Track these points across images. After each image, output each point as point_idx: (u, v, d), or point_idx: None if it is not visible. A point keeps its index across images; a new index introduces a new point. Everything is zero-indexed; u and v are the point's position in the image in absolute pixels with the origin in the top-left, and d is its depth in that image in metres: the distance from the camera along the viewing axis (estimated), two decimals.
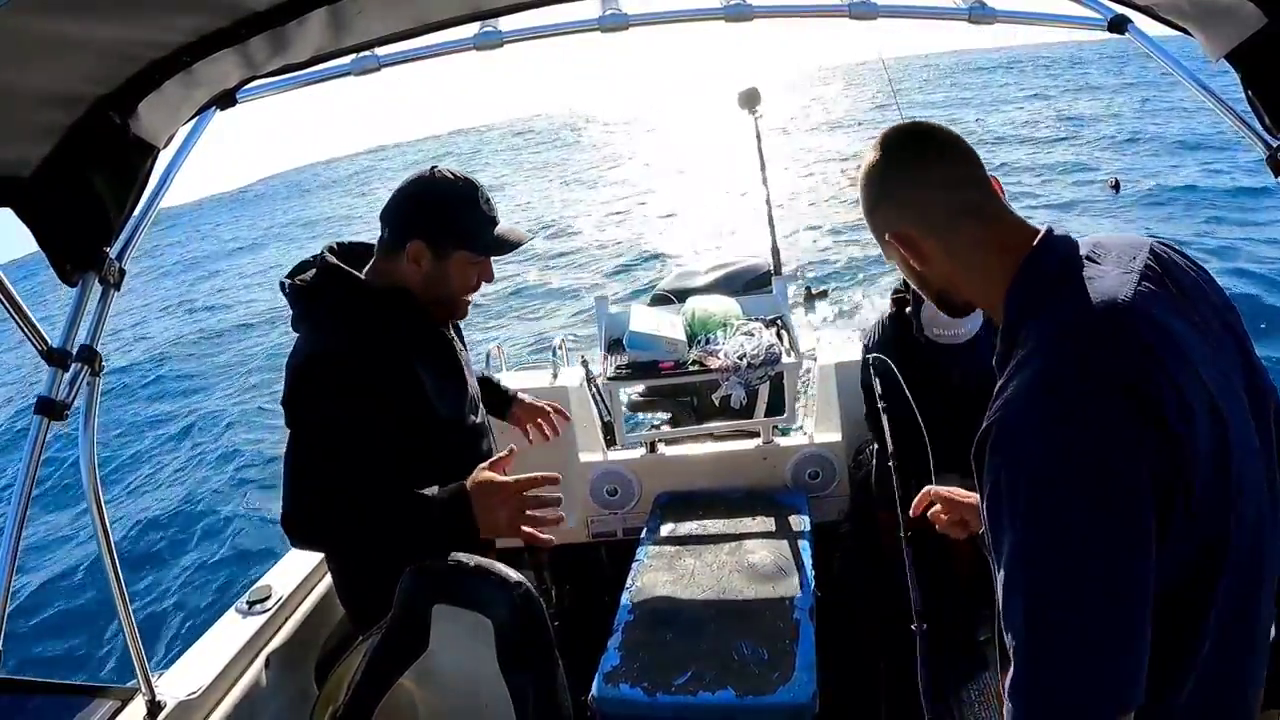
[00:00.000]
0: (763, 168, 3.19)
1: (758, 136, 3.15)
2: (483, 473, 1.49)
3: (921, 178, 1.03)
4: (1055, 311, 0.91)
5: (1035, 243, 0.98)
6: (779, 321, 2.85)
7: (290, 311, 1.60)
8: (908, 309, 2.20)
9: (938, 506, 1.50)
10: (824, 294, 10.02)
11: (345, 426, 1.45)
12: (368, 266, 1.62)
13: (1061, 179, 15.33)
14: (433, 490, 1.48)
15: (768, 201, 3.19)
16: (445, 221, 1.57)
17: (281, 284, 1.59)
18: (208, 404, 9.83)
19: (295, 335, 1.58)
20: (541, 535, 1.49)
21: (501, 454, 1.56)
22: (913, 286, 1.15)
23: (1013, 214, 1.03)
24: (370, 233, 1.72)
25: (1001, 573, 0.86)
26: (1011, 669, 0.84)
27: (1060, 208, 13.17)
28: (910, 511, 1.56)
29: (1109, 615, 0.79)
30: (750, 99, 3.07)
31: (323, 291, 1.55)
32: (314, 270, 1.58)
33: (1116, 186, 14.76)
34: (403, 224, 1.57)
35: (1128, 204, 12.82)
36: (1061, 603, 0.81)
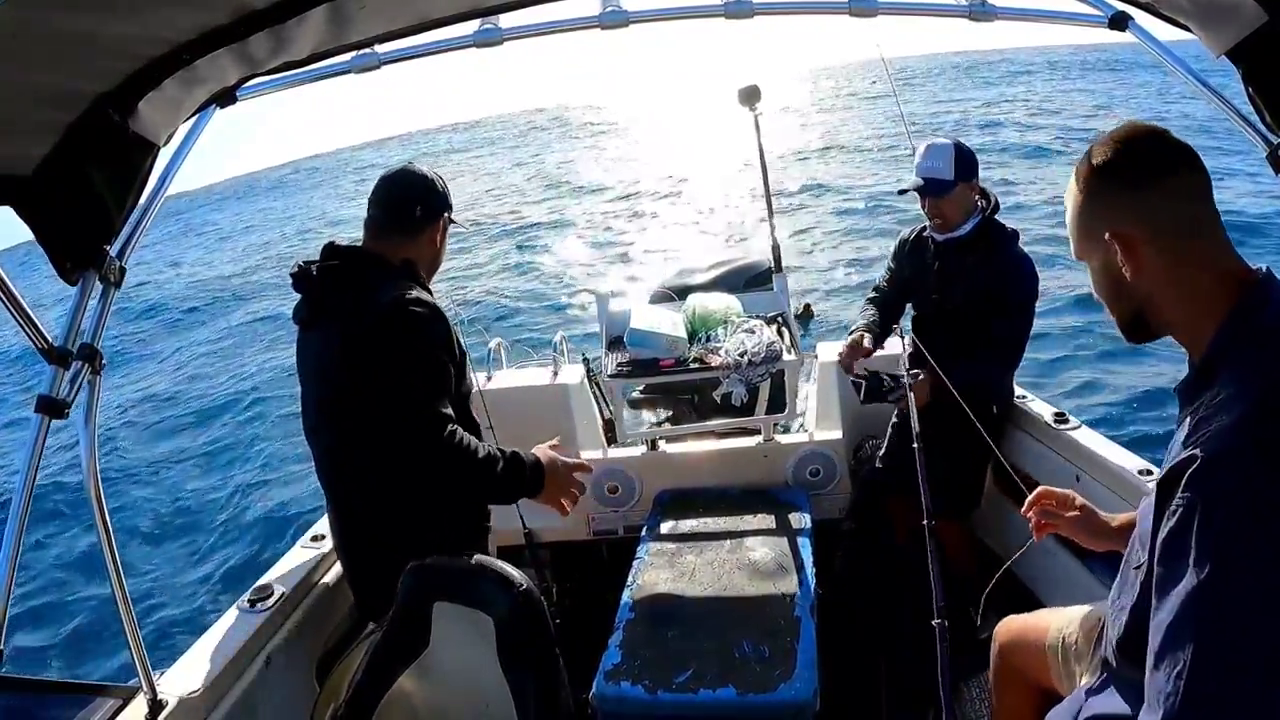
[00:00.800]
0: (763, 165, 3.19)
1: (758, 134, 3.15)
2: (552, 452, 1.84)
3: (1164, 183, 0.98)
4: (1273, 355, 0.90)
5: (1257, 280, 0.96)
6: (780, 319, 2.85)
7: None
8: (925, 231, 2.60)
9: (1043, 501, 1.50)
10: (808, 311, 9.92)
11: (450, 365, 1.71)
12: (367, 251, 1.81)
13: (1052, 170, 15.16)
14: (511, 450, 1.76)
15: (768, 199, 3.18)
16: (449, 199, 1.91)
17: (308, 270, 1.75)
18: (209, 403, 9.84)
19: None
20: (567, 508, 1.87)
21: (554, 442, 1.92)
22: (1103, 303, 1.09)
23: (1232, 244, 1.00)
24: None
25: (1167, 611, 0.83)
26: (1154, 711, 0.82)
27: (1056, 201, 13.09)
28: (1021, 511, 1.53)
29: (1274, 670, 0.77)
30: (750, 96, 3.06)
31: (365, 268, 1.75)
32: (330, 258, 1.76)
33: None
34: (436, 203, 1.85)
35: None
36: (1232, 652, 0.78)
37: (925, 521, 1.55)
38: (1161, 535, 0.87)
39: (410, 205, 1.82)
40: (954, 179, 2.37)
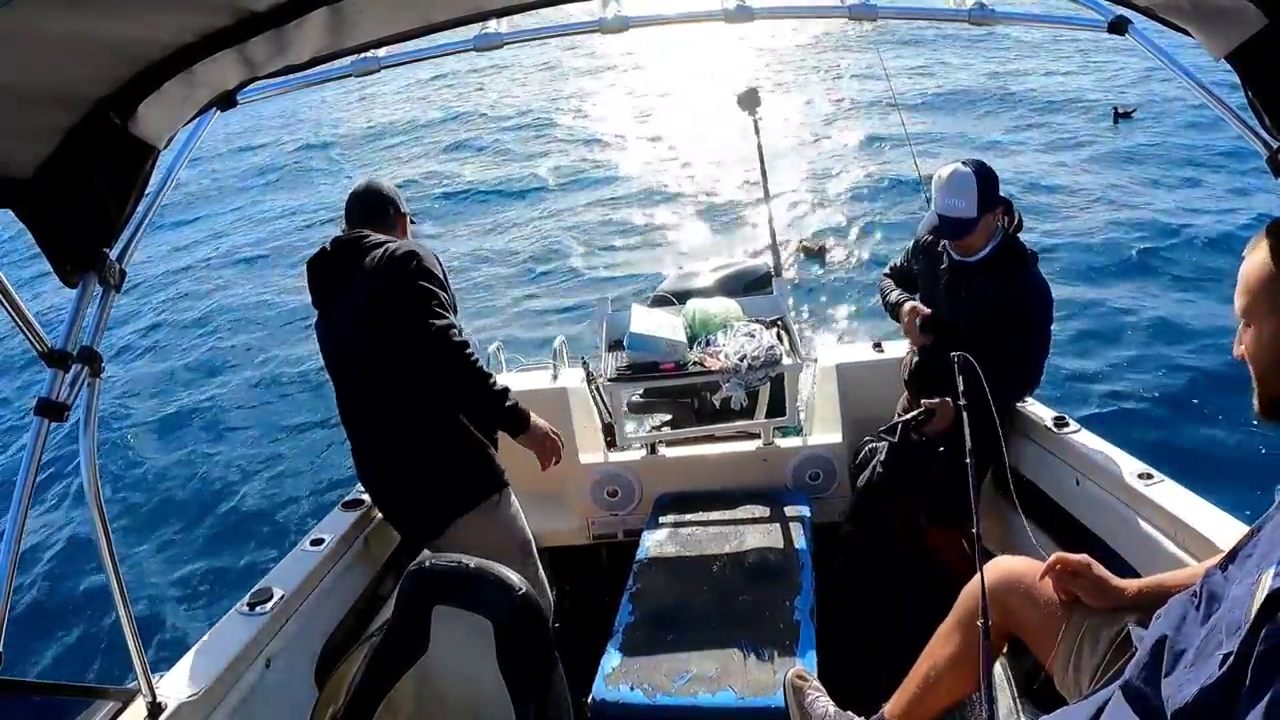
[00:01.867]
0: (763, 168, 3.19)
1: (758, 138, 3.15)
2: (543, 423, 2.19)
3: None
4: None
5: None
6: (779, 323, 2.85)
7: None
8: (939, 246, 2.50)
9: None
10: (822, 251, 9.65)
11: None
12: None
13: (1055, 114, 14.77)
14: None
15: (767, 202, 3.19)
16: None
17: (323, 251, 2.15)
18: (209, 402, 9.84)
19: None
20: (546, 462, 2.21)
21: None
22: (1253, 369, 1.07)
23: None
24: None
25: (1256, 716, 0.81)
26: None
27: (1050, 147, 12.78)
28: (1038, 579, 1.53)
29: None
30: (750, 100, 3.06)
31: (370, 238, 2.11)
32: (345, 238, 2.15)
33: (1125, 115, 13.16)
34: (401, 205, 2.29)
35: (1134, 140, 12.35)
36: None
37: (973, 528, 1.52)
38: (1264, 647, 0.85)
39: (385, 205, 2.25)
40: (978, 215, 2.26)
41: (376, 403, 2.11)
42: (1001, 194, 2.34)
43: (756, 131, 3.14)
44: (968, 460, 1.62)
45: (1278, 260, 1.02)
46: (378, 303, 2.02)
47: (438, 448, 2.12)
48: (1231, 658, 0.90)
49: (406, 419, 2.10)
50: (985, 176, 2.28)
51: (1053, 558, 1.51)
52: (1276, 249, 1.03)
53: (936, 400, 2.38)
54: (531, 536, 2.29)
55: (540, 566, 2.28)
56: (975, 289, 2.38)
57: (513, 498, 2.24)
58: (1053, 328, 2.36)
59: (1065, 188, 11.12)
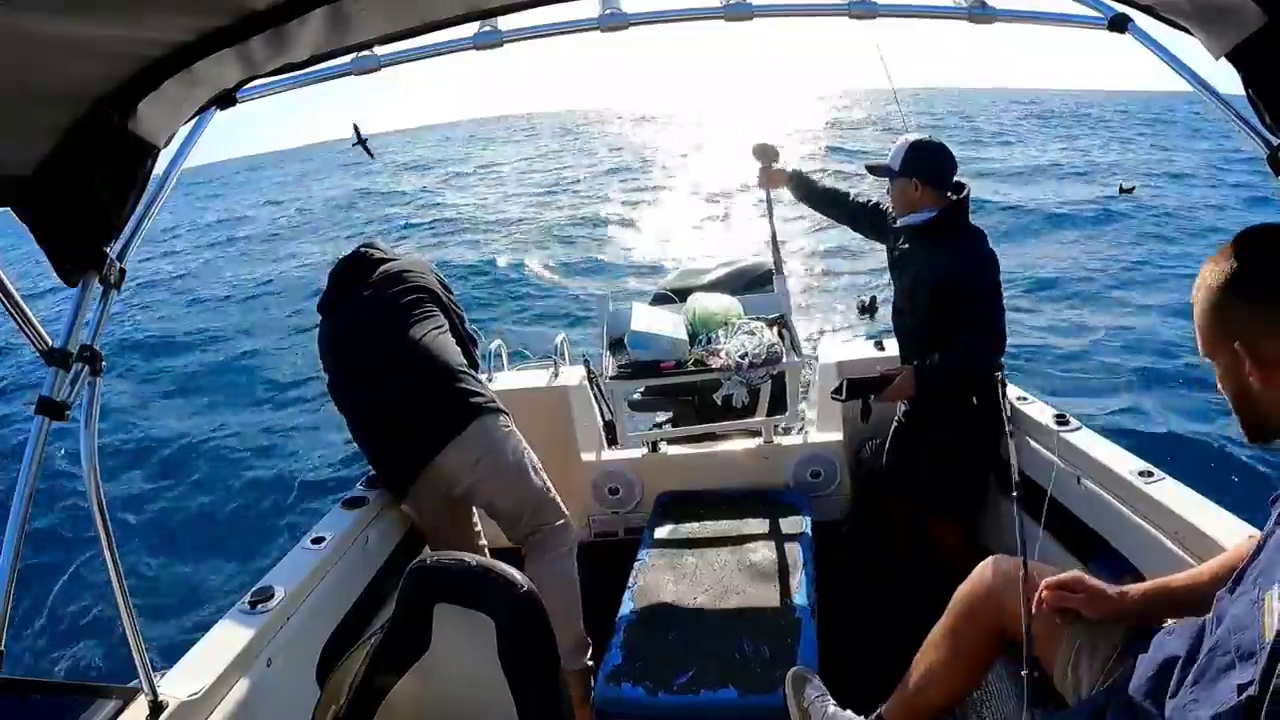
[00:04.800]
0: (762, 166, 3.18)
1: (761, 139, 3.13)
2: None
3: None
4: None
5: None
6: (780, 320, 2.85)
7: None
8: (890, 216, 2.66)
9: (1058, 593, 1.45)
10: (874, 306, 9.59)
11: None
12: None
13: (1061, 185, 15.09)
14: None
15: (768, 199, 3.18)
16: None
17: (364, 256, 2.53)
18: (210, 402, 9.84)
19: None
20: None
21: None
22: (1228, 398, 1.09)
23: None
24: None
25: None
26: None
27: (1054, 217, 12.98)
28: (1033, 605, 1.46)
29: None
30: (765, 154, 3.01)
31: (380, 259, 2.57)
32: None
33: (1129, 191, 14.28)
34: None
35: (1140, 213, 12.59)
36: None
37: (1018, 531, 1.45)
38: None
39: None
40: (898, 171, 2.46)
41: (398, 357, 2.35)
42: (954, 180, 2.47)
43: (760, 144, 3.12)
44: (1014, 493, 1.56)
45: (1211, 301, 1.04)
46: (412, 289, 2.46)
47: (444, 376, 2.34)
48: (1251, 687, 0.89)
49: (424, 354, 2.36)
50: (921, 148, 2.46)
51: (1041, 584, 1.46)
52: (1208, 289, 1.05)
53: (897, 367, 2.45)
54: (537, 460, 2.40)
55: (550, 485, 2.40)
56: (915, 263, 2.49)
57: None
58: (1005, 295, 2.43)
59: None
